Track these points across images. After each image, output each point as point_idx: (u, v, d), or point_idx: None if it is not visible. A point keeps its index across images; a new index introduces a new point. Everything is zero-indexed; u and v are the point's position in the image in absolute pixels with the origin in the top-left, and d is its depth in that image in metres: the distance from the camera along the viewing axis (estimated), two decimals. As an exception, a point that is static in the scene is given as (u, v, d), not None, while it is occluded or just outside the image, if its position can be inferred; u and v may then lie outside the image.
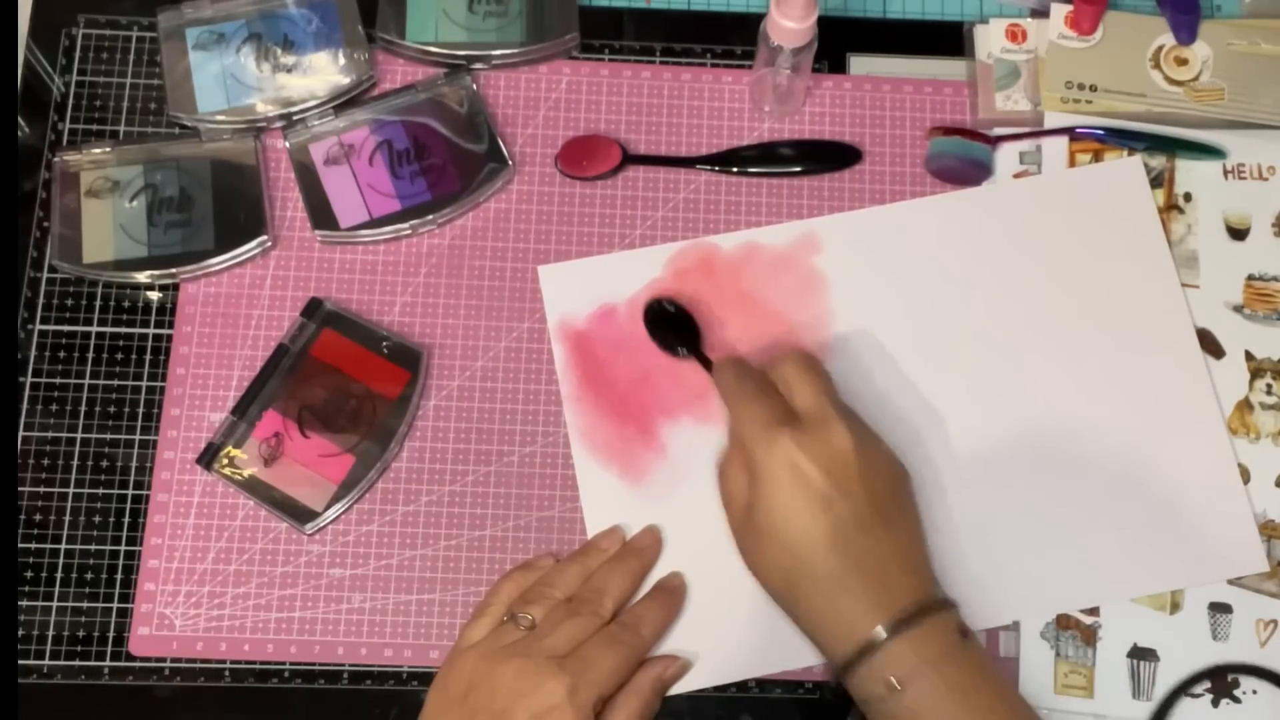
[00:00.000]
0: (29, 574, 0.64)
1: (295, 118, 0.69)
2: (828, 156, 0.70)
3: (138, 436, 0.66)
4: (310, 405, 0.65)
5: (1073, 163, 0.70)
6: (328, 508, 0.64)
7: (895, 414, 0.65)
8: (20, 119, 0.70)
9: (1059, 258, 0.68)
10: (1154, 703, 0.62)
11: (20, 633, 0.63)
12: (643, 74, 0.72)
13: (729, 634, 0.62)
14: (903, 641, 0.54)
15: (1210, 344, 0.67)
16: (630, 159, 0.70)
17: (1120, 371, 0.66)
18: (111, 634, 0.63)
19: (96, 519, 0.65)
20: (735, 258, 0.68)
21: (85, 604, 0.64)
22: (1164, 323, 0.67)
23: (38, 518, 0.65)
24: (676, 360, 0.65)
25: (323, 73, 0.70)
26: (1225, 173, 0.70)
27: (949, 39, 0.73)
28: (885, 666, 0.54)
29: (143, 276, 0.67)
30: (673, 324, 0.66)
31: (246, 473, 0.64)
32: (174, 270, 0.67)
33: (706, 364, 0.64)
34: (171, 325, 0.67)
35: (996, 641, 0.63)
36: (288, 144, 0.69)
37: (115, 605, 0.64)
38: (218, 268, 0.68)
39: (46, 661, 0.63)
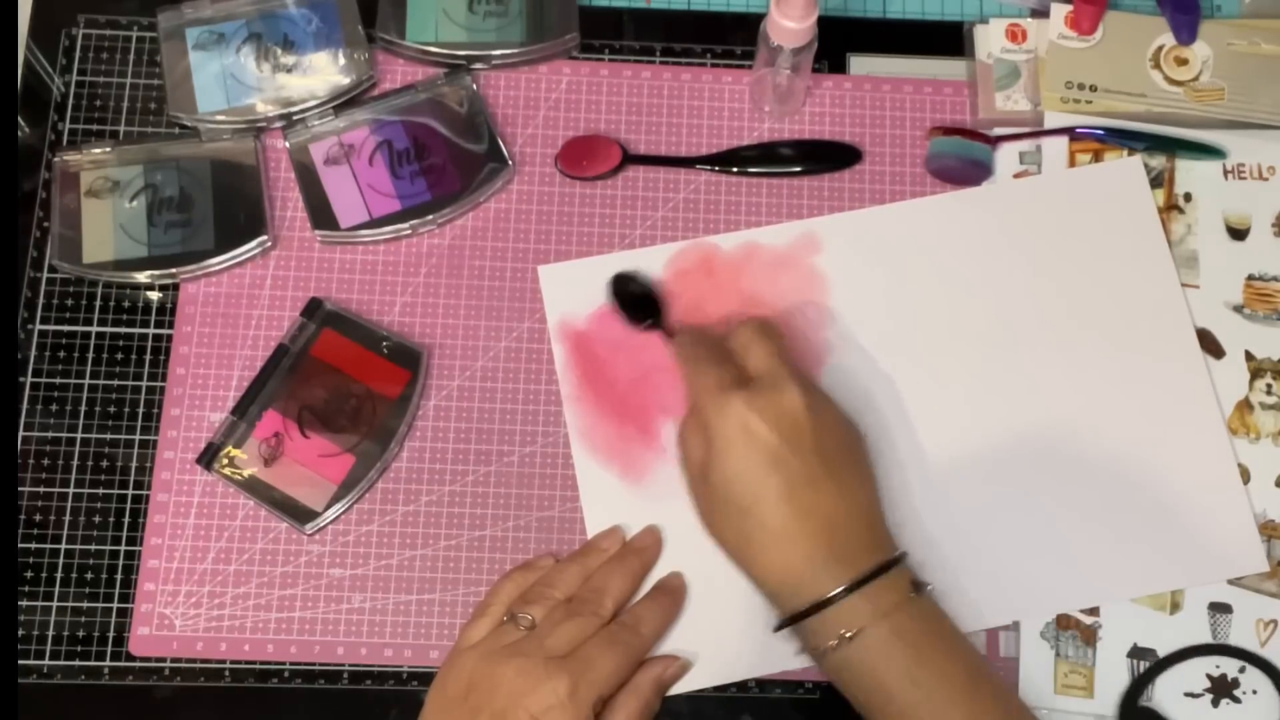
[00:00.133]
0: (29, 574, 0.64)
1: (295, 118, 0.69)
2: (828, 156, 0.70)
3: (138, 436, 0.66)
4: (310, 405, 0.65)
5: (1073, 163, 0.70)
6: (328, 508, 0.64)
7: (895, 413, 0.65)
8: (20, 119, 0.70)
9: (1059, 258, 0.68)
10: (1130, 678, 0.62)
11: (20, 633, 0.63)
12: (643, 74, 0.72)
13: (729, 634, 0.62)
14: (857, 597, 0.54)
15: (1210, 344, 0.67)
16: (630, 159, 0.70)
17: (1120, 372, 0.66)
18: (111, 634, 0.63)
19: (96, 519, 0.65)
20: (735, 258, 0.68)
21: (85, 604, 0.64)
22: (1164, 323, 0.67)
23: (38, 518, 0.65)
24: (672, 361, 0.65)
25: (323, 73, 0.70)
26: (1225, 173, 0.70)
27: (949, 39, 0.73)
28: (838, 620, 0.54)
29: (143, 276, 0.67)
30: (638, 299, 0.67)
31: (246, 473, 0.64)
32: (174, 270, 0.67)
33: (669, 335, 0.65)
34: (171, 325, 0.67)
35: (997, 641, 0.63)
36: (288, 144, 0.69)
37: (115, 605, 0.64)
38: (218, 268, 0.68)
39: (46, 661, 0.63)
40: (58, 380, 0.67)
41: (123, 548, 0.64)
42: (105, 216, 0.68)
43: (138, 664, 0.63)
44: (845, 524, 0.56)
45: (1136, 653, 0.63)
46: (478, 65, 0.71)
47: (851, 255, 0.68)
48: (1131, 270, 0.68)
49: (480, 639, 0.59)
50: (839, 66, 0.73)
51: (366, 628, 0.64)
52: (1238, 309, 0.68)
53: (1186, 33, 0.70)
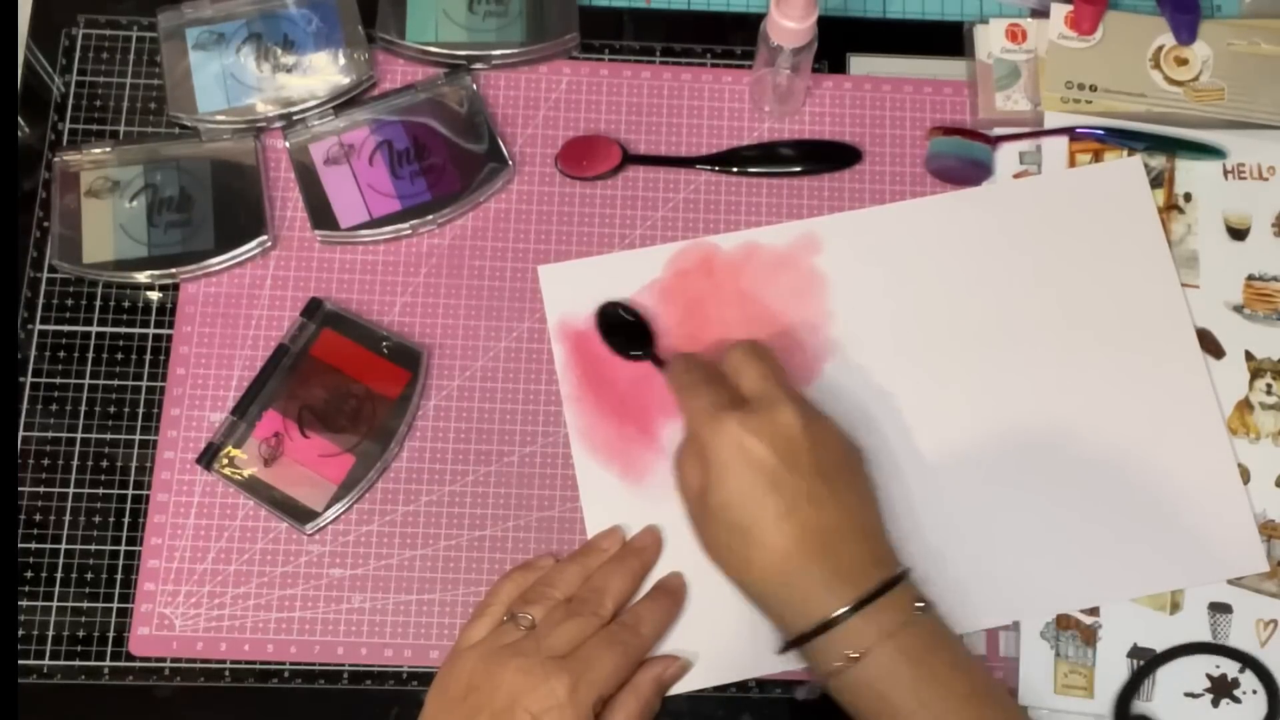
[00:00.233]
0: (29, 574, 0.64)
1: (295, 118, 0.69)
2: (828, 156, 0.70)
3: (138, 436, 0.66)
4: (310, 405, 0.65)
5: (1073, 163, 0.70)
6: (328, 508, 0.64)
7: (895, 413, 0.65)
8: (20, 119, 0.70)
9: (1059, 258, 0.68)
10: (1126, 675, 0.62)
11: (20, 633, 0.63)
12: (643, 74, 0.72)
13: (729, 634, 0.62)
14: (862, 618, 0.54)
15: (1210, 344, 0.67)
16: (630, 159, 0.70)
17: (1120, 372, 0.66)
18: (111, 634, 0.63)
19: (96, 519, 0.65)
20: (735, 258, 0.68)
21: (85, 604, 0.64)
22: (1164, 323, 0.67)
23: (38, 518, 0.65)
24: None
25: (323, 73, 0.70)
26: (1225, 173, 0.70)
27: (949, 39, 0.73)
28: (844, 640, 0.54)
29: (143, 276, 0.67)
30: (626, 328, 0.66)
31: (246, 473, 0.64)
32: (174, 270, 0.67)
33: (660, 364, 0.64)
34: (171, 325, 0.67)
35: (997, 641, 0.63)
36: (288, 144, 0.69)
37: (115, 605, 0.64)
38: (218, 268, 0.68)
39: (46, 661, 0.63)
40: (58, 380, 0.67)
41: (123, 548, 0.64)
42: (105, 216, 0.68)
43: (138, 664, 0.63)
44: (847, 542, 0.56)
45: (1136, 653, 0.63)
46: (478, 65, 0.71)
47: (851, 255, 0.68)
48: (1131, 270, 0.68)
49: (480, 639, 0.59)
50: (839, 66, 0.73)
51: (366, 628, 0.64)
52: (1238, 309, 0.68)
53: (1186, 33, 0.70)
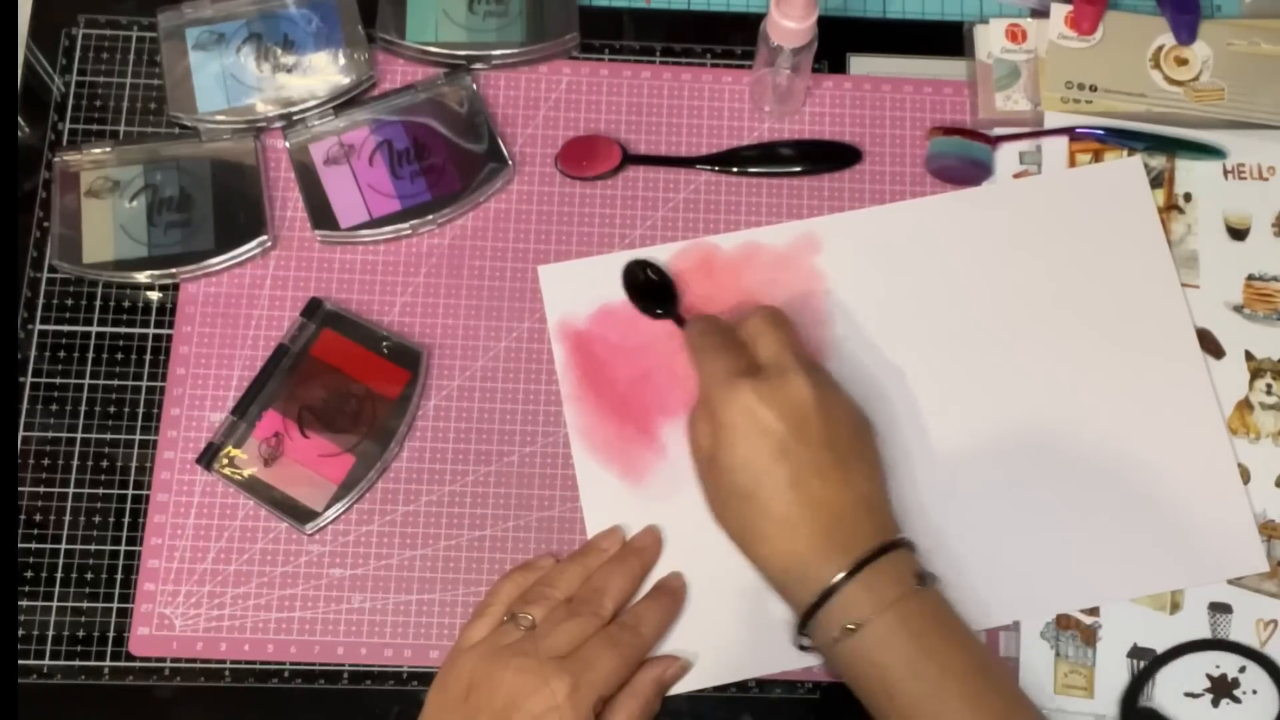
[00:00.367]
0: (29, 574, 0.64)
1: (295, 118, 0.69)
2: (828, 156, 0.70)
3: (138, 436, 0.66)
4: (310, 405, 0.65)
5: (1073, 163, 0.70)
6: (328, 508, 0.64)
7: (894, 414, 0.65)
8: (20, 119, 0.70)
9: (1059, 258, 0.68)
10: (1130, 675, 0.62)
11: (20, 633, 0.63)
12: (643, 74, 0.72)
13: (729, 634, 0.62)
14: (859, 584, 0.54)
15: (1210, 344, 0.67)
16: (630, 159, 0.70)
17: (1120, 371, 0.66)
18: (111, 634, 0.63)
19: (96, 519, 0.65)
20: (735, 258, 0.68)
21: (85, 604, 0.64)
22: (1164, 323, 0.67)
23: (38, 518, 0.65)
24: (676, 362, 0.66)
25: (323, 73, 0.70)
26: (1225, 173, 0.70)
27: (949, 39, 0.73)
28: (843, 610, 0.54)
29: (143, 276, 0.67)
30: (651, 287, 0.67)
31: (246, 473, 0.64)
32: (174, 270, 0.67)
33: (681, 324, 0.65)
34: (171, 325, 0.67)
35: (997, 641, 0.63)
36: (288, 144, 0.69)
37: (115, 605, 0.64)
38: (218, 268, 0.68)
39: (46, 661, 0.63)
40: (58, 380, 0.67)
41: (123, 548, 0.64)
42: (105, 216, 0.68)
43: (138, 664, 0.63)
44: (849, 513, 0.56)
45: (1136, 653, 0.63)
46: (478, 65, 0.71)
47: (852, 255, 0.68)
48: (1132, 270, 0.68)
49: (480, 639, 0.59)
50: (839, 66, 0.73)
51: (366, 628, 0.63)
52: (1238, 309, 0.68)
53: (1186, 33, 0.70)
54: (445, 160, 0.69)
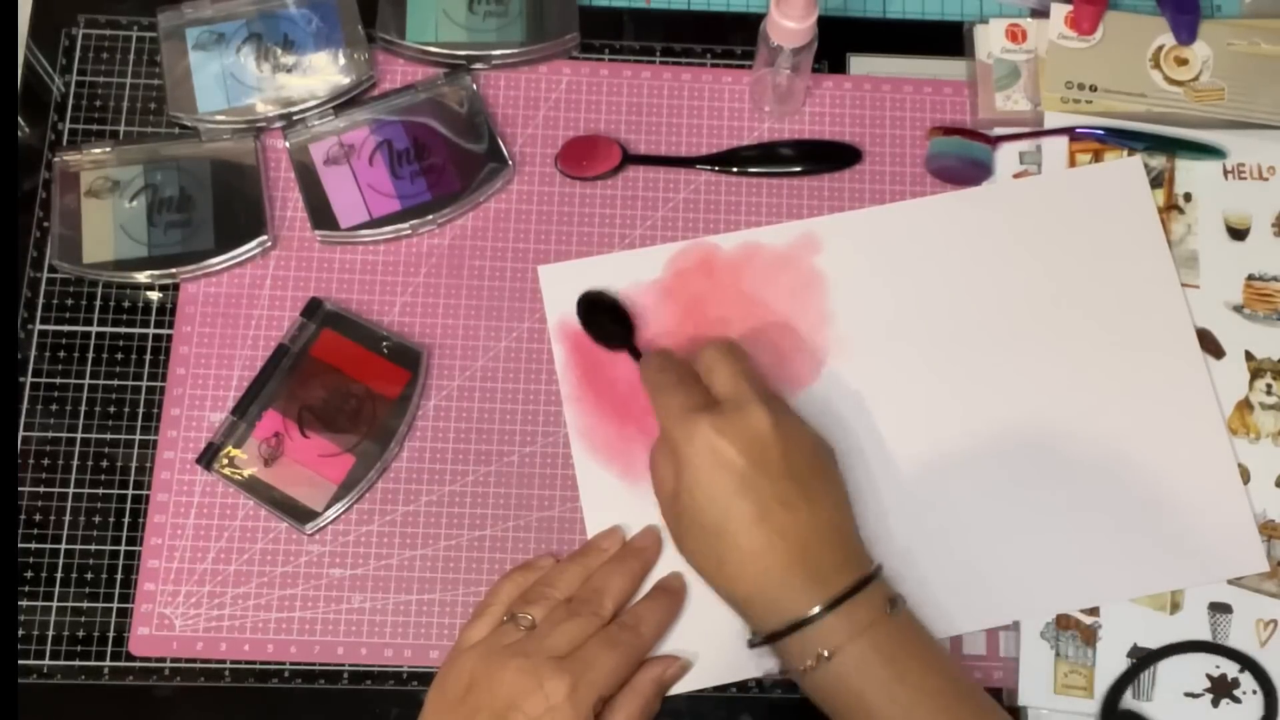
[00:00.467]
0: (29, 574, 0.64)
1: (295, 118, 0.69)
2: (828, 156, 0.70)
3: (138, 436, 0.66)
4: (310, 405, 0.65)
5: (1073, 163, 0.70)
6: (328, 508, 0.64)
7: (895, 413, 0.65)
8: (20, 119, 0.70)
9: (1059, 258, 0.68)
10: (1117, 670, 0.62)
11: (20, 633, 0.63)
12: (643, 74, 0.72)
13: (729, 634, 0.62)
14: (834, 616, 0.54)
15: (1210, 344, 0.67)
16: (630, 159, 0.70)
17: (1120, 371, 0.66)
18: (111, 634, 0.63)
19: (96, 519, 0.65)
20: (735, 258, 0.68)
21: (85, 604, 0.64)
22: (1164, 323, 0.67)
23: (38, 518, 0.65)
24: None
25: (323, 73, 0.70)
26: (1225, 173, 0.70)
27: (949, 39, 0.73)
28: (817, 639, 0.54)
29: (143, 276, 0.67)
30: (608, 318, 0.67)
31: (246, 473, 0.64)
32: (174, 270, 0.67)
33: (636, 356, 0.65)
34: (171, 325, 0.67)
35: (997, 641, 0.63)
36: (288, 144, 0.69)
37: (115, 605, 0.64)
38: (218, 268, 0.68)
39: (46, 661, 0.63)
40: (58, 380, 0.67)
41: (123, 548, 0.64)
42: (105, 216, 0.68)
43: (138, 664, 0.63)
44: (819, 543, 0.56)
45: (1136, 653, 0.63)
46: (478, 65, 0.71)
47: (851, 255, 0.68)
48: (1131, 270, 0.68)
49: (480, 639, 0.59)
50: (839, 66, 0.73)
51: (366, 628, 0.64)
52: (1238, 309, 0.68)
53: (1186, 33, 0.70)
54: (445, 160, 0.69)
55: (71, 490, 0.65)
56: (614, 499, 0.64)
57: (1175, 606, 0.63)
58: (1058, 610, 0.63)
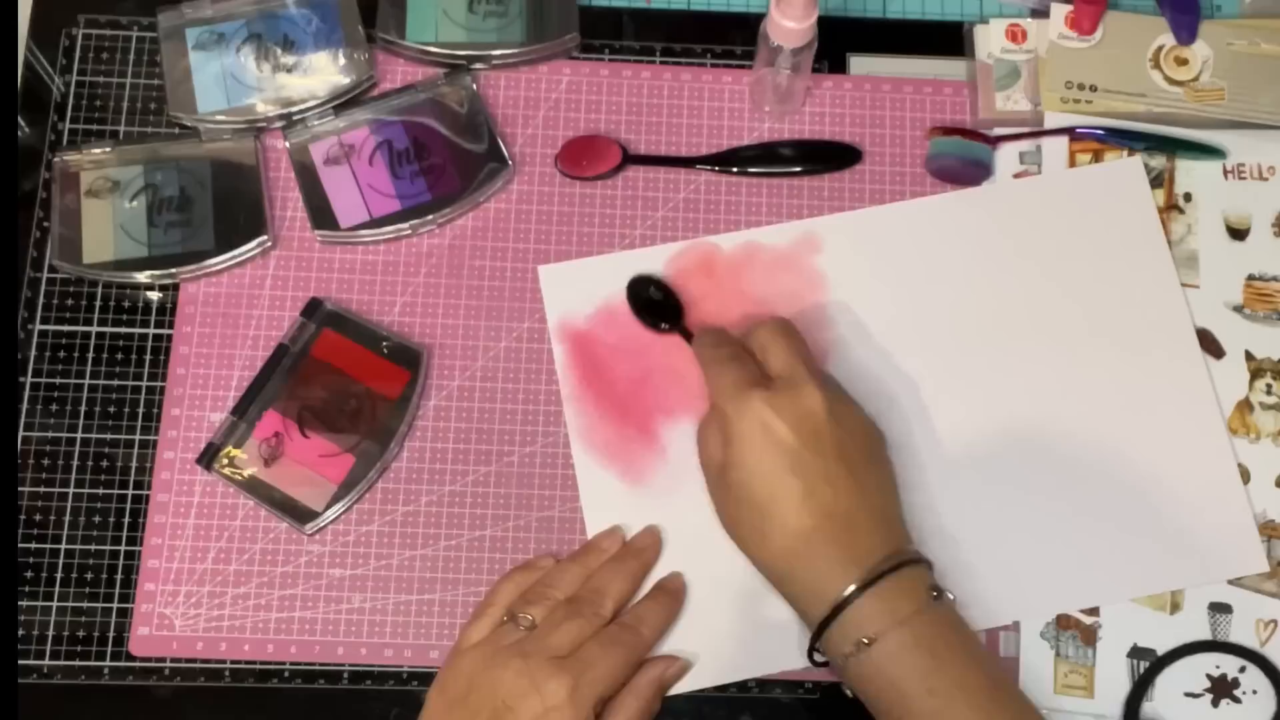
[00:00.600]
0: (29, 574, 0.64)
1: (295, 118, 0.69)
2: (828, 156, 0.70)
3: (138, 436, 0.66)
4: (310, 405, 0.65)
5: (1073, 163, 0.70)
6: (328, 508, 0.64)
7: (896, 413, 0.65)
8: (20, 119, 0.70)
9: (1059, 258, 0.68)
10: (1133, 678, 0.62)
11: (20, 633, 0.63)
12: (643, 74, 0.72)
13: (729, 634, 0.62)
14: (873, 598, 0.54)
15: (1210, 344, 0.67)
16: (630, 159, 0.70)
17: (1120, 371, 0.66)
18: (111, 634, 0.63)
19: (96, 519, 0.65)
20: (735, 258, 0.68)
21: (85, 604, 0.64)
22: (1164, 323, 0.67)
23: (38, 518, 0.65)
24: (677, 362, 0.66)
25: (323, 73, 0.70)
26: (1225, 173, 0.70)
27: (949, 39, 0.73)
28: (857, 624, 0.54)
29: (143, 276, 0.67)
30: (656, 302, 0.67)
31: (246, 473, 0.64)
32: (174, 270, 0.67)
33: (688, 338, 0.65)
34: (171, 325, 0.67)
35: (997, 641, 0.63)
36: (288, 144, 0.69)
37: (115, 605, 0.64)
38: (218, 268, 0.68)
39: (46, 661, 0.63)
40: (58, 380, 0.67)
41: (123, 548, 0.64)
42: (105, 216, 0.68)
43: (138, 664, 0.63)
44: (862, 525, 0.56)
45: (1136, 653, 0.63)
46: (478, 65, 0.71)
47: (852, 255, 0.68)
48: (1131, 270, 0.68)
49: (480, 639, 0.59)
50: (839, 66, 0.73)
51: (366, 628, 0.63)
52: (1238, 309, 0.68)
53: (1186, 33, 0.70)
54: (445, 160, 0.69)
55: (71, 490, 0.65)
56: (614, 499, 0.64)
57: (1175, 607, 0.63)
58: (1058, 610, 0.63)
